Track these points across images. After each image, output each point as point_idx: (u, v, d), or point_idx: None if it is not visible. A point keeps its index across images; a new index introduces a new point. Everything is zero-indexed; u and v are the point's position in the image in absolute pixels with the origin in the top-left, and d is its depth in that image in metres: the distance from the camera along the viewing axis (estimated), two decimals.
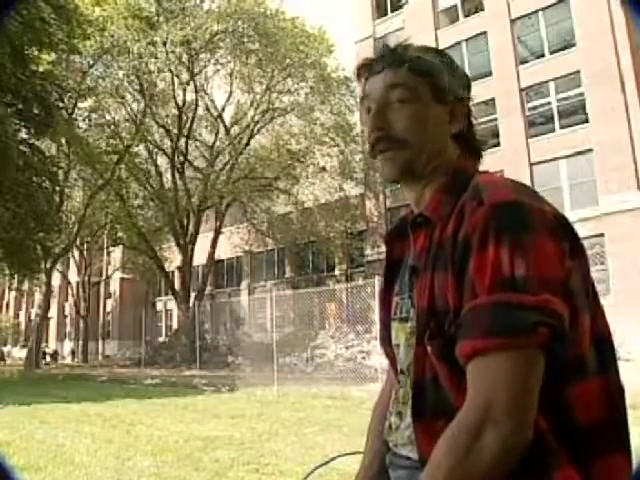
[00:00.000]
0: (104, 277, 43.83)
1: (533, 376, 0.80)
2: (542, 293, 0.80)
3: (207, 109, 31.98)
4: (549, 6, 23.17)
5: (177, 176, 30.04)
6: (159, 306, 42.50)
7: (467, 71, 1.14)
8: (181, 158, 30.41)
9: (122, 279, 44.35)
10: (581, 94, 21.94)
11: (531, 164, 22.52)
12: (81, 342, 39.31)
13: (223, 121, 31.95)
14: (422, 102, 1.01)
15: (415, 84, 1.01)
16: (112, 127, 29.44)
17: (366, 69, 1.07)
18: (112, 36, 26.38)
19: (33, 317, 42.91)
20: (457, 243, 0.88)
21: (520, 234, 0.83)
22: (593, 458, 0.84)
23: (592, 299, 0.91)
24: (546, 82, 23.01)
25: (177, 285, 31.32)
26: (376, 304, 16.01)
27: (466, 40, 25.18)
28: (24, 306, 54.32)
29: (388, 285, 1.09)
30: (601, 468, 0.84)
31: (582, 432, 0.85)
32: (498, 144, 22.99)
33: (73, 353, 42.40)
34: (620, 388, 0.91)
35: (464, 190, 0.94)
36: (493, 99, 22.75)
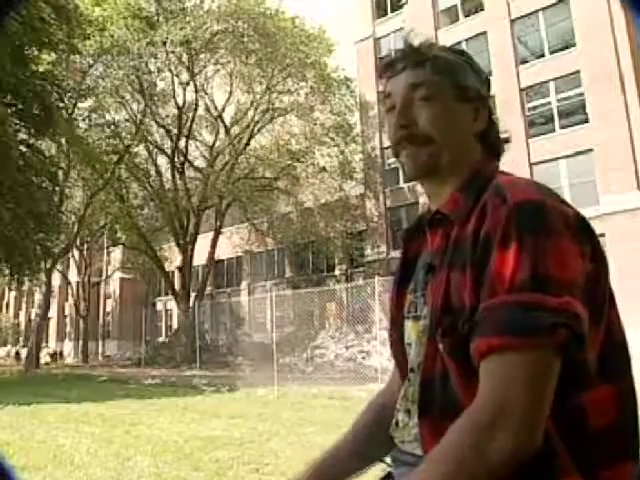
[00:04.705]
0: (104, 277, 43.84)
1: (548, 378, 0.78)
2: (563, 295, 0.79)
3: (207, 109, 31.99)
4: (549, 6, 23.18)
5: (177, 176, 30.05)
6: (159, 306, 42.50)
7: None
8: (181, 158, 30.42)
9: (122, 279, 44.35)
10: (581, 94, 21.94)
11: (531, 164, 22.49)
12: (81, 342, 39.29)
13: (223, 121, 31.93)
14: (445, 100, 1.01)
15: (438, 83, 1.01)
16: (112, 127, 29.44)
17: (389, 68, 1.07)
18: (112, 36, 26.36)
19: (33, 317, 42.95)
20: (478, 241, 0.87)
21: (542, 235, 0.82)
22: (600, 466, 0.83)
23: (609, 304, 0.89)
24: (546, 82, 23.01)
25: (177, 285, 31.31)
26: (376, 304, 16.01)
27: (466, 40, 25.16)
28: (24, 306, 54.24)
29: (402, 283, 1.08)
30: (608, 477, 0.83)
31: (591, 439, 0.83)
32: None
33: (73, 353, 42.39)
34: (633, 396, 0.89)
35: (484, 190, 0.93)
36: (493, 99, 22.74)
